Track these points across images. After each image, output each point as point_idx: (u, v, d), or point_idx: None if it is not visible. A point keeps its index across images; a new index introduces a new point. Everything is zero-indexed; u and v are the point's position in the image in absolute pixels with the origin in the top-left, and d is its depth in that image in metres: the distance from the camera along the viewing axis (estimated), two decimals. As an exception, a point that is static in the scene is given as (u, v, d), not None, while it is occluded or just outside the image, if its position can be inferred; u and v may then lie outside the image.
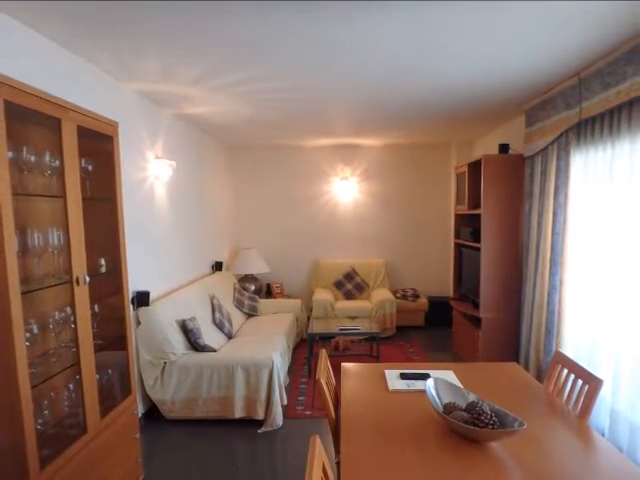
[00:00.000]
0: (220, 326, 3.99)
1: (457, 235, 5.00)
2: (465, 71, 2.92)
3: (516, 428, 1.50)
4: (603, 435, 2.58)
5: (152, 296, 3.33)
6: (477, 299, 4.11)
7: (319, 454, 1.30)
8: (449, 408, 1.67)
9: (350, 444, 1.60)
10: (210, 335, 3.71)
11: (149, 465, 2.71)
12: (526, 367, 3.57)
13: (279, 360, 3.40)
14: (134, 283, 3.02)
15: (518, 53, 2.59)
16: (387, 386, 2.09)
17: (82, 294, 2.02)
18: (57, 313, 2.02)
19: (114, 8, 1.96)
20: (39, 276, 1.95)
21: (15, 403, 1.61)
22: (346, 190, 6.15)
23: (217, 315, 4.03)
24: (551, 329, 3.24)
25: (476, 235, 4.21)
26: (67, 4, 1.91)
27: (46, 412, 1.95)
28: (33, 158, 1.88)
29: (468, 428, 1.52)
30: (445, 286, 6.17)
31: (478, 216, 4.10)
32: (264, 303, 5.27)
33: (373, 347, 4.55)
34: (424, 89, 3.32)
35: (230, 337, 4.08)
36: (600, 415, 2.66)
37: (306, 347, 4.47)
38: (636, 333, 2.40)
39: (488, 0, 1.92)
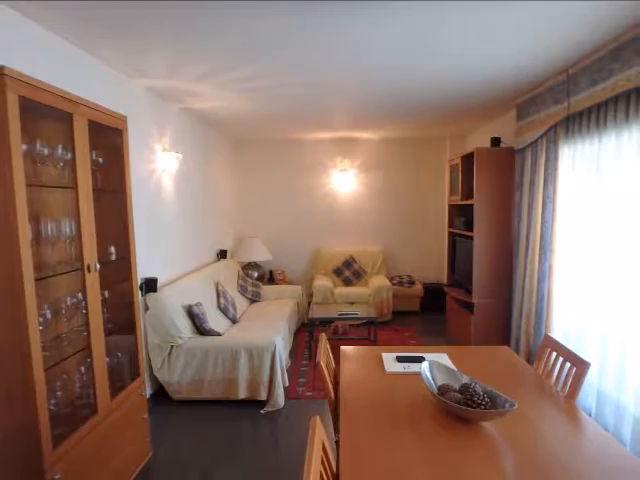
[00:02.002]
0: (225, 311, 4.07)
1: (451, 224, 5.07)
2: (461, 68, 2.95)
3: (507, 408, 1.54)
4: (590, 415, 2.66)
5: (160, 282, 3.38)
6: (470, 286, 4.19)
7: (319, 433, 1.34)
8: (443, 389, 1.71)
9: (349, 424, 1.63)
10: (215, 320, 3.78)
11: (157, 444, 2.80)
12: (517, 350, 3.66)
13: (281, 343, 3.49)
14: (142, 270, 3.07)
15: (512, 51, 2.62)
16: (384, 368, 2.13)
17: (93, 281, 2.08)
18: (69, 299, 2.07)
19: (121, 9, 1.99)
20: (52, 263, 2.00)
21: (29, 385, 1.66)
22: (345, 181, 6.21)
23: (222, 300, 4.10)
24: (541, 314, 3.32)
25: (469, 224, 4.28)
26: (78, 4, 1.94)
27: (58, 393, 2.01)
28: (46, 151, 1.92)
29: (461, 408, 1.56)
30: (440, 273, 6.25)
31: (471, 206, 4.16)
32: (267, 289, 5.36)
33: (371, 331, 4.63)
34: (421, 85, 3.36)
35: (234, 322, 4.15)
36: (587, 396, 2.74)
37: (307, 331, 4.56)
38: (622, 318, 2.47)
39: (486, 0, 1.96)
